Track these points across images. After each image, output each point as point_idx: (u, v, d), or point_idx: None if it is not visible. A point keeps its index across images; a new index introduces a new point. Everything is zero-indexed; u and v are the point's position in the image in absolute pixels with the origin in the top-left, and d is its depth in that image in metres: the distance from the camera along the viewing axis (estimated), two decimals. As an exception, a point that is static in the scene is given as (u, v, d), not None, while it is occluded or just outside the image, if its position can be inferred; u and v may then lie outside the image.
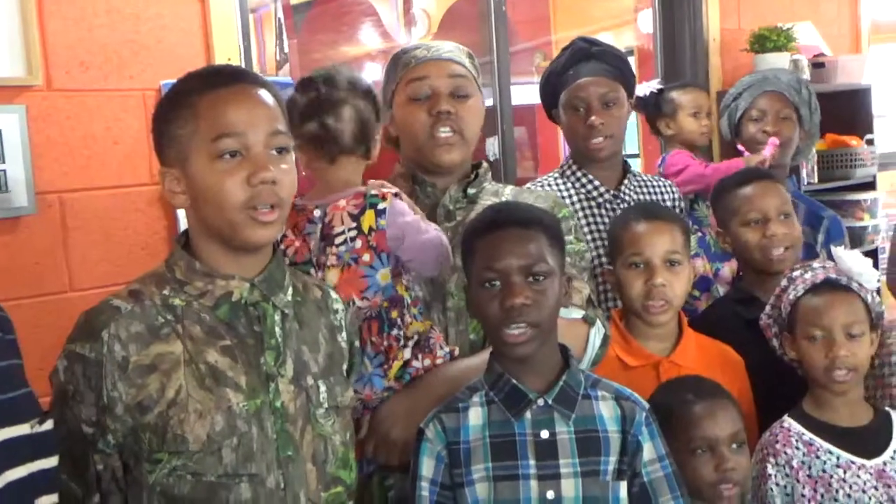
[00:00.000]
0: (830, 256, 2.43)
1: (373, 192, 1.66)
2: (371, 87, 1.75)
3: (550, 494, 1.46)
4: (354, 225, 1.63)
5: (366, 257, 1.63)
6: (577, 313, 1.76)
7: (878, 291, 1.93)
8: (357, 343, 1.52)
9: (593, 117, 2.30)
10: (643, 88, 2.93)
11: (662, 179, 2.58)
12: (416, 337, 1.66)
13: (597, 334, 1.78)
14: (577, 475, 1.47)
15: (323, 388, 1.39)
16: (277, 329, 1.36)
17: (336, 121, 1.66)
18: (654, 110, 2.92)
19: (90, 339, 1.28)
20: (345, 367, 1.46)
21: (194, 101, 1.31)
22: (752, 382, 2.00)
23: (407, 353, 1.64)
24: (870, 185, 3.80)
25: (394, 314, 1.64)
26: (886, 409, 1.88)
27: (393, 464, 1.65)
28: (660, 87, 2.93)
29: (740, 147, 2.76)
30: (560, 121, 2.42)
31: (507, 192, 1.96)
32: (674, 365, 1.92)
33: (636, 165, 4.84)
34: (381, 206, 1.64)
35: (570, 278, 1.79)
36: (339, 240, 1.64)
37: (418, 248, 1.66)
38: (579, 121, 2.33)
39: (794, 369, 1.90)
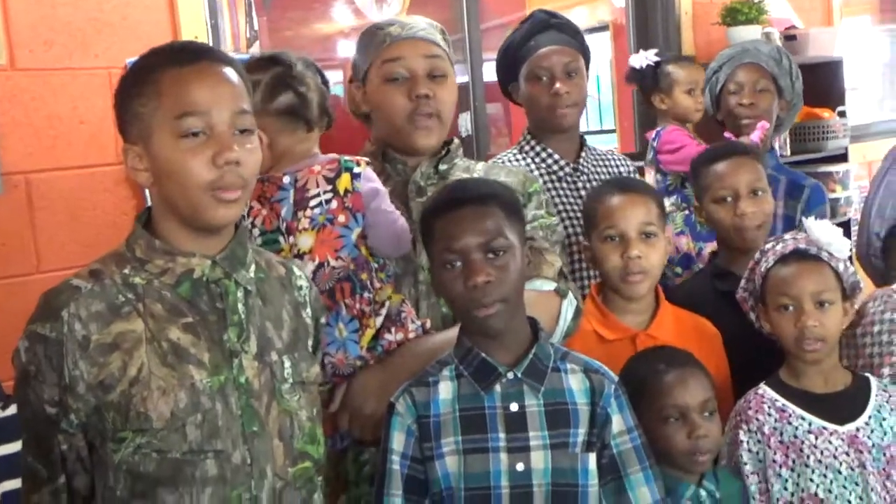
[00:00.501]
0: None
1: (347, 157, 1.68)
2: (316, 62, 1.79)
3: (520, 466, 1.47)
4: (330, 187, 1.65)
5: (341, 218, 1.65)
6: (549, 286, 1.77)
7: (852, 260, 1.93)
8: (322, 319, 1.52)
9: (559, 84, 2.30)
10: (639, 59, 2.91)
11: (616, 153, 2.59)
12: (387, 304, 1.67)
13: (569, 307, 1.78)
14: (547, 447, 1.48)
15: (287, 364, 1.38)
16: (240, 305, 1.35)
17: (307, 90, 1.70)
18: (650, 83, 2.90)
19: (50, 318, 1.27)
20: (310, 343, 1.46)
21: (158, 77, 1.29)
22: (729, 355, 2.01)
23: (378, 322, 1.65)
24: (842, 157, 3.82)
25: (363, 276, 1.65)
26: (866, 374, 1.89)
27: (366, 438, 1.65)
28: (657, 59, 2.90)
29: (726, 134, 2.74)
30: (519, 93, 2.41)
31: (479, 168, 1.95)
32: (650, 338, 1.92)
33: (612, 141, 4.86)
34: (356, 169, 1.67)
35: (542, 251, 1.80)
36: (313, 202, 1.65)
37: (382, 219, 1.68)
38: (543, 90, 2.33)
39: (773, 342, 1.91)
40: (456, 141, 1.95)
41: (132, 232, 1.37)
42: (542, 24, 2.36)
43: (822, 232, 1.85)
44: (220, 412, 1.29)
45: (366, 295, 1.65)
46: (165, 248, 1.33)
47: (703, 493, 1.69)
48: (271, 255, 1.50)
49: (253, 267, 1.39)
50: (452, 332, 1.61)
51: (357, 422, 1.65)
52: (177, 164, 1.28)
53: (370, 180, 1.68)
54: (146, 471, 1.26)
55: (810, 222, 1.88)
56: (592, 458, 1.51)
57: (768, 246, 1.90)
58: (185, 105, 1.28)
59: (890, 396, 1.84)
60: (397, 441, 1.50)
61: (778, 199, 2.53)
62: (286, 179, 1.66)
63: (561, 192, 2.33)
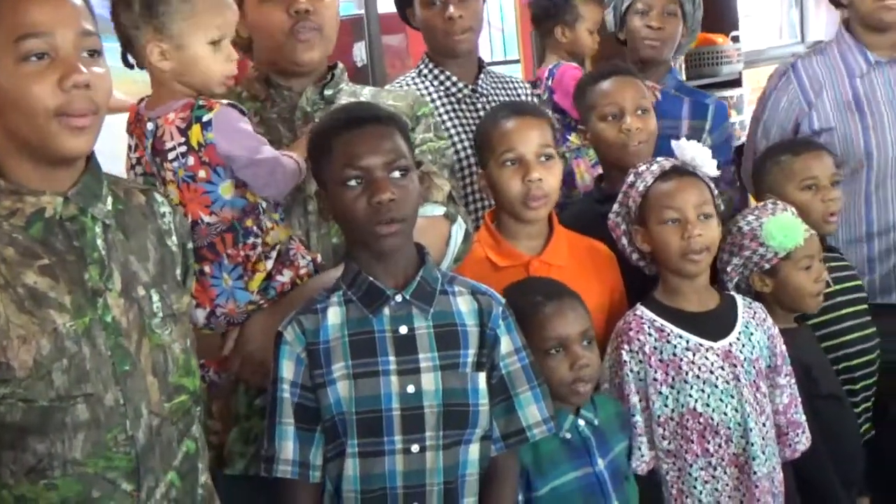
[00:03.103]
0: (720, 142, 2.48)
1: (201, 102, 1.57)
2: None
3: (411, 388, 1.48)
4: (184, 140, 1.55)
5: (202, 174, 1.55)
6: (439, 210, 1.76)
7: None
8: (190, 245, 1.47)
9: (452, 9, 2.28)
10: None
11: (514, 78, 2.58)
12: (278, 247, 1.62)
13: (458, 230, 1.78)
14: (437, 369, 1.49)
15: (156, 298, 1.34)
16: (100, 241, 1.29)
17: None
18: (554, 12, 2.87)
19: None
20: (178, 271, 1.41)
21: None
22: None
23: (269, 265, 1.60)
24: (736, 83, 3.90)
25: (248, 223, 1.59)
26: (731, 293, 1.97)
27: (258, 383, 1.64)
28: None
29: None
30: (416, 19, 2.39)
31: (366, 93, 1.92)
32: (544, 264, 1.93)
33: (517, 71, 4.85)
34: (206, 117, 1.54)
35: (431, 175, 1.78)
36: (171, 155, 1.56)
37: (251, 166, 1.57)
38: (437, 15, 2.31)
39: (642, 269, 1.97)
40: (340, 65, 1.91)
41: None
42: None
43: (693, 152, 1.90)
44: (87, 355, 1.24)
45: (250, 240, 1.59)
46: (11, 187, 1.25)
47: (581, 422, 1.72)
48: (130, 184, 1.43)
49: (110, 199, 1.33)
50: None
51: (249, 367, 1.63)
52: (19, 91, 1.20)
53: (230, 126, 1.56)
54: (13, 420, 1.21)
55: (681, 143, 1.93)
56: (482, 377, 1.53)
57: (641, 168, 1.94)
58: (24, 26, 1.20)
59: (755, 313, 1.93)
60: (287, 369, 1.49)
61: (682, 118, 2.55)
62: (149, 126, 1.57)
63: (461, 114, 2.33)
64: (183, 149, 1.55)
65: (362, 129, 1.49)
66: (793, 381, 1.92)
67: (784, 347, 1.92)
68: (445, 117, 2.30)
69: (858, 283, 2.29)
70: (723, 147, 2.53)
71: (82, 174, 1.29)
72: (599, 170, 2.59)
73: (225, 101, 1.59)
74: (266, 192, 1.61)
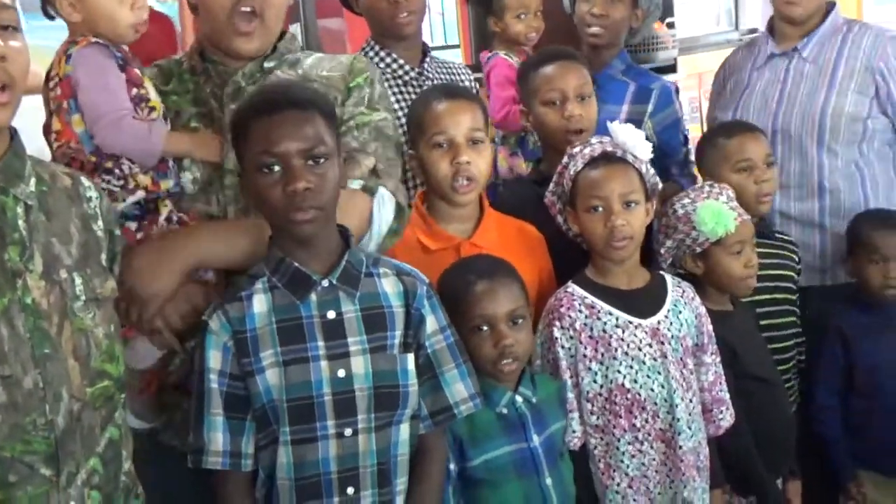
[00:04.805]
0: (666, 125, 2.51)
1: (77, 39, 1.60)
2: None
3: (341, 373, 1.48)
4: (57, 71, 1.60)
5: (65, 104, 1.60)
6: (355, 184, 1.71)
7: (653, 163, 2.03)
8: (118, 231, 1.45)
9: None
10: None
11: (458, 64, 2.59)
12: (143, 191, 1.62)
13: (382, 205, 1.73)
14: (366, 352, 1.50)
15: (79, 281, 1.32)
16: (21, 222, 1.27)
17: None
18: (483, 4, 2.86)
19: None
20: (103, 257, 1.40)
21: None
22: (555, 257, 2.06)
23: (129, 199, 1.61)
24: (671, 69, 3.93)
25: (108, 164, 1.61)
26: (661, 272, 2.01)
27: (146, 324, 1.57)
28: None
29: None
30: (359, 4, 2.40)
31: (308, 63, 1.84)
32: (474, 246, 1.94)
33: (457, 56, 4.85)
34: (70, 50, 1.59)
35: (355, 152, 1.74)
36: (51, 84, 1.61)
37: (84, 101, 1.59)
38: None
39: (579, 245, 1.99)
40: (288, 34, 1.83)
41: None
42: None
43: (626, 135, 1.92)
44: (5, 336, 1.23)
45: (103, 176, 1.60)
46: None
47: (518, 398, 1.74)
48: (56, 167, 1.42)
49: (33, 180, 1.31)
50: (242, 222, 1.58)
51: (134, 306, 1.55)
52: None
53: (80, 60, 1.59)
54: None
55: (614, 126, 1.95)
56: (410, 358, 1.54)
57: (576, 150, 1.96)
58: None
59: (683, 292, 1.96)
60: (214, 359, 1.48)
61: (624, 103, 2.56)
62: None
63: (407, 97, 2.33)
64: (57, 79, 1.60)
65: (280, 115, 1.46)
66: (718, 359, 1.97)
67: (711, 327, 1.97)
68: (392, 99, 2.29)
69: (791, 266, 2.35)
70: (669, 131, 2.54)
71: (4, 154, 1.28)
72: (517, 159, 2.60)
73: (96, 40, 1.61)
74: (98, 139, 1.61)
